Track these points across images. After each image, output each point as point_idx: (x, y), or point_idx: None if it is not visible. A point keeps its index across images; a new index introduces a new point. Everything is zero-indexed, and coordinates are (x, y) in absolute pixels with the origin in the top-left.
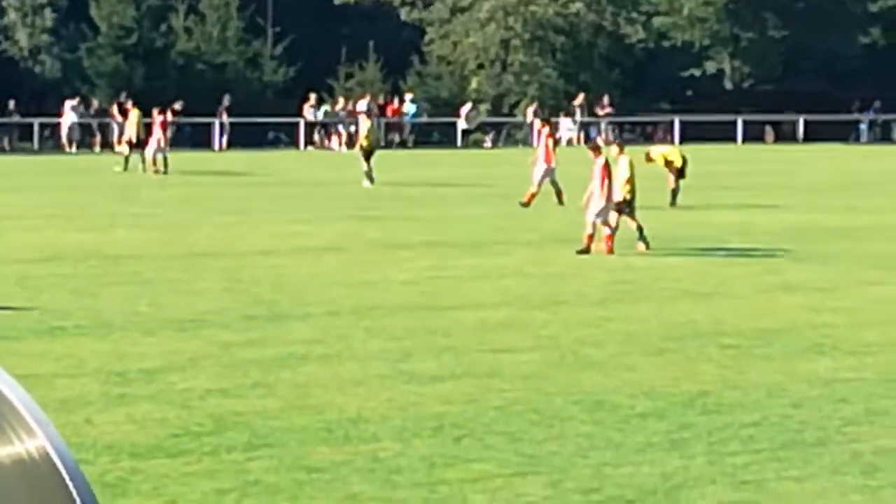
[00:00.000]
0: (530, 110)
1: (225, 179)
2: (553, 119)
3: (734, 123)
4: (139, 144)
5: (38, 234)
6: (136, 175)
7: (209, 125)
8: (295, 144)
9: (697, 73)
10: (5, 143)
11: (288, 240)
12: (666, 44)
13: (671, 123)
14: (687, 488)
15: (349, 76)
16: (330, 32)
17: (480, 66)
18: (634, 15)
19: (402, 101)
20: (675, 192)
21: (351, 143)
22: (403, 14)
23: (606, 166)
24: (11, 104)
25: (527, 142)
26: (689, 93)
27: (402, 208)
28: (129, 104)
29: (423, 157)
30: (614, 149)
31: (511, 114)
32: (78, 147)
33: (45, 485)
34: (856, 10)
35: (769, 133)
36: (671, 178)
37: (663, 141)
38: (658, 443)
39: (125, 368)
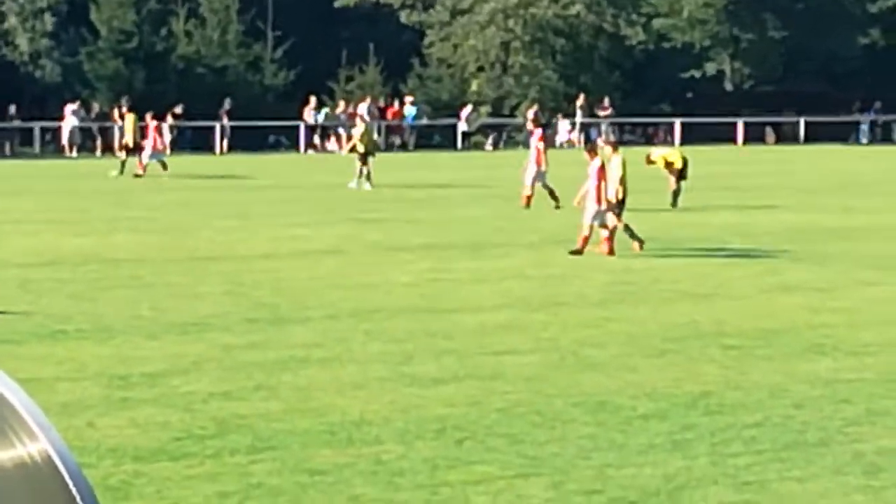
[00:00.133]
0: (530, 112)
1: (225, 183)
2: (550, 120)
3: (734, 125)
4: (135, 149)
5: (38, 238)
6: (135, 179)
7: (210, 129)
8: (295, 148)
9: (698, 74)
10: (6, 147)
11: (288, 243)
12: (666, 45)
13: (671, 125)
14: (689, 489)
15: (349, 79)
16: (330, 35)
17: (481, 69)
18: (634, 17)
19: (402, 104)
20: (675, 194)
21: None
22: (403, 17)
23: (602, 169)
24: (12, 109)
25: (527, 144)
26: (690, 94)
27: (403, 211)
28: (124, 109)
29: (424, 160)
30: (608, 149)
31: (511, 116)
32: (79, 151)
33: (48, 488)
34: (855, 11)
35: (769, 134)
36: (672, 179)
37: (664, 142)
38: (660, 444)
39: (127, 372)
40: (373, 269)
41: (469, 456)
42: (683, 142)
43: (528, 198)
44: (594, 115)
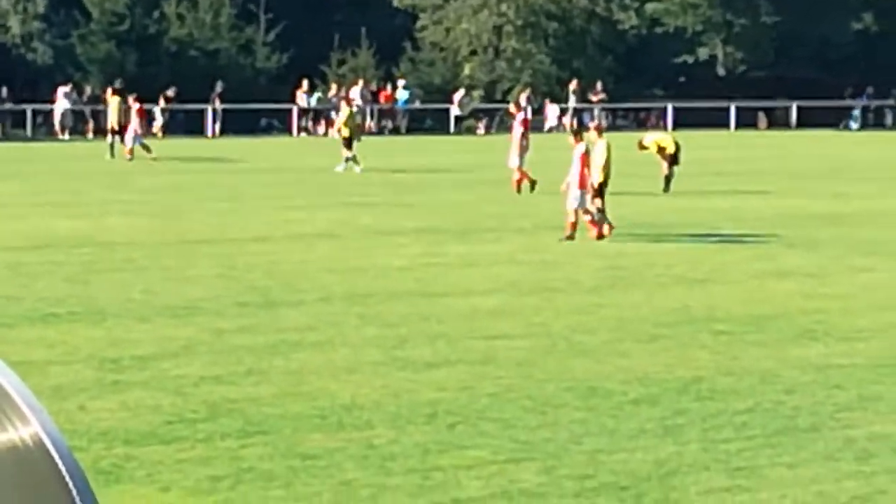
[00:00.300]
0: (523, 97)
1: (218, 166)
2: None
3: (727, 110)
4: (121, 131)
5: (30, 221)
6: (128, 162)
7: (202, 112)
8: (288, 131)
9: (690, 59)
10: None
11: (281, 227)
12: (659, 30)
13: (664, 110)
14: (681, 474)
15: (342, 62)
16: (322, 19)
17: (473, 53)
18: (627, 1)
19: (395, 88)
20: (668, 179)
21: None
22: (396, 0)
23: (586, 154)
24: (4, 91)
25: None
26: (682, 79)
27: (395, 195)
28: (108, 92)
29: (416, 144)
30: (593, 133)
31: (504, 100)
32: (71, 134)
33: (39, 471)
34: None
35: (762, 119)
36: (664, 164)
37: (656, 127)
38: (651, 429)
39: (119, 355)
40: (365, 252)
41: (461, 440)
42: (676, 127)
43: (519, 182)
44: (587, 100)
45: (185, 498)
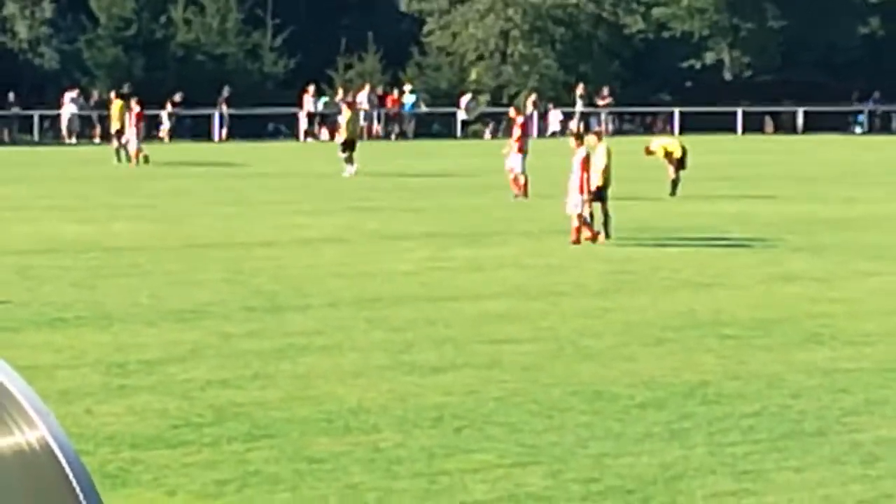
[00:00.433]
0: (530, 101)
1: (225, 171)
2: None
3: (734, 114)
4: (123, 134)
5: (37, 225)
6: (137, 167)
7: (209, 116)
8: (294, 136)
9: (697, 63)
10: (5, 134)
11: (288, 231)
12: (665, 34)
13: (671, 114)
14: (687, 478)
15: (348, 67)
16: (329, 24)
17: (480, 57)
18: (634, 5)
19: (401, 93)
20: (675, 183)
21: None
22: (403, 5)
23: (587, 159)
24: (11, 96)
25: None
26: (689, 83)
27: (402, 199)
28: (112, 95)
29: (423, 148)
30: (592, 138)
31: (511, 105)
32: (78, 138)
33: (46, 475)
34: (855, 0)
35: (768, 124)
36: (671, 168)
37: (663, 132)
38: (658, 433)
39: (125, 359)
40: (372, 257)
41: (467, 444)
42: (682, 131)
43: (524, 186)
44: (594, 105)
45: (191, 501)
